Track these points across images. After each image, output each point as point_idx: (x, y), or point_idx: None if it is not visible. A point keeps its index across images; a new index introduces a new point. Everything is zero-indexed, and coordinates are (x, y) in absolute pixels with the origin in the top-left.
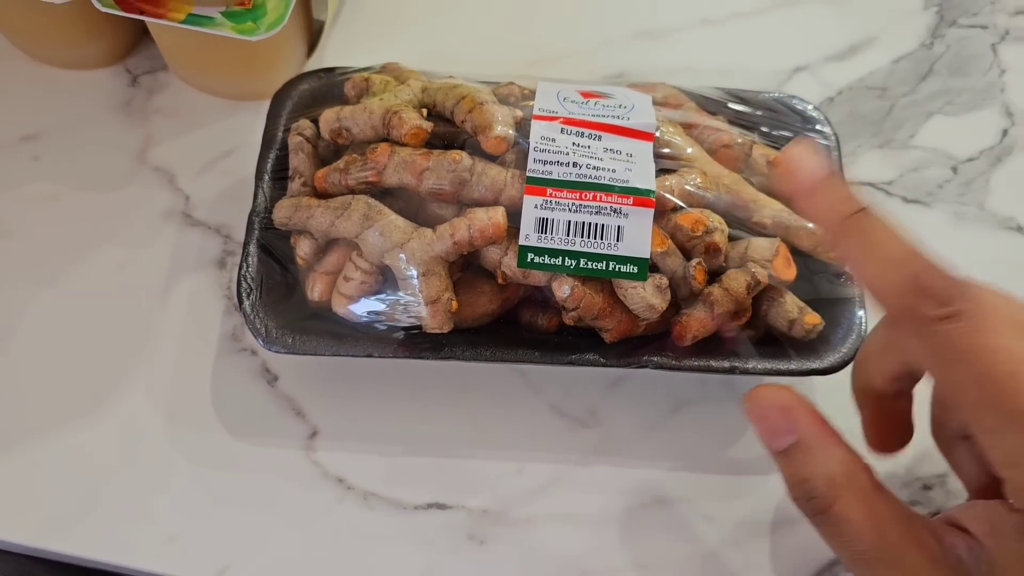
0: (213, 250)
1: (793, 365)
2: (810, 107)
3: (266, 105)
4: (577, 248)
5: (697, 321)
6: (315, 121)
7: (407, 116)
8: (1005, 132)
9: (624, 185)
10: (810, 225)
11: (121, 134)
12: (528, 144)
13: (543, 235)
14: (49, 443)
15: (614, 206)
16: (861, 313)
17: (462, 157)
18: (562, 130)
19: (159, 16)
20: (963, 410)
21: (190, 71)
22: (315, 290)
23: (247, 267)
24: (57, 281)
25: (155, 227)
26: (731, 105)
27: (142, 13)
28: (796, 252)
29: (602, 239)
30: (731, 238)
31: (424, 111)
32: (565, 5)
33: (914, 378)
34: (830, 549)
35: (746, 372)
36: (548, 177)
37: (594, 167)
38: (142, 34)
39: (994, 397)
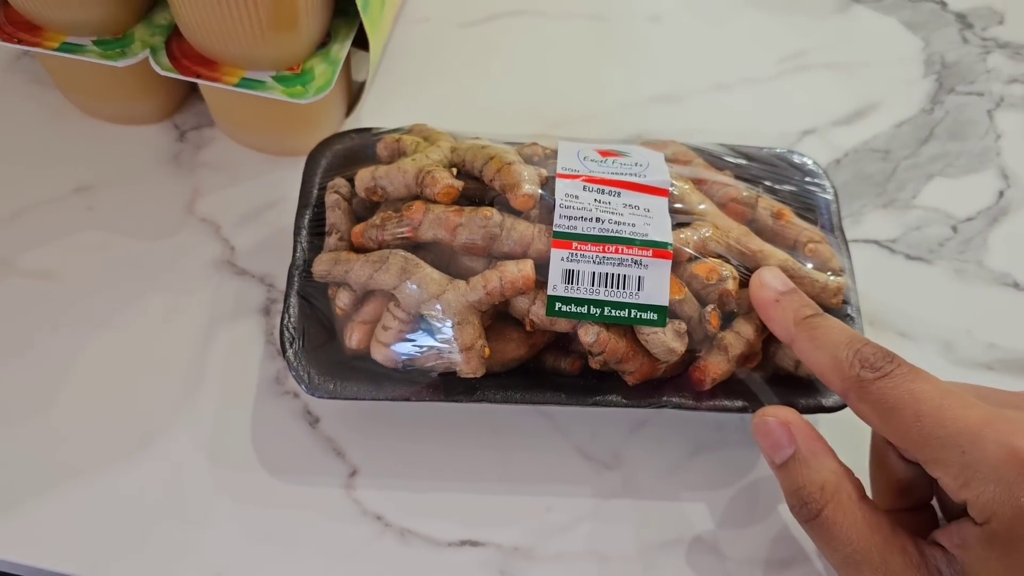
0: (257, 298)
1: (801, 403)
2: (809, 162)
3: None
4: (601, 297)
5: (715, 365)
6: (349, 179)
7: (439, 175)
8: (1001, 193)
9: (643, 238)
10: (813, 273)
11: (170, 186)
12: (553, 200)
13: (569, 285)
14: (99, 481)
15: (635, 258)
16: None
17: (492, 213)
18: (584, 187)
19: (215, 80)
20: (910, 452)
21: (236, 128)
22: (353, 338)
23: (289, 318)
24: (108, 325)
25: (202, 275)
26: (736, 160)
27: (199, 76)
28: None
29: (624, 288)
30: (741, 284)
31: (454, 170)
32: (586, 70)
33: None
34: (823, 555)
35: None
36: (573, 232)
37: (615, 222)
38: (190, 92)
39: (929, 430)
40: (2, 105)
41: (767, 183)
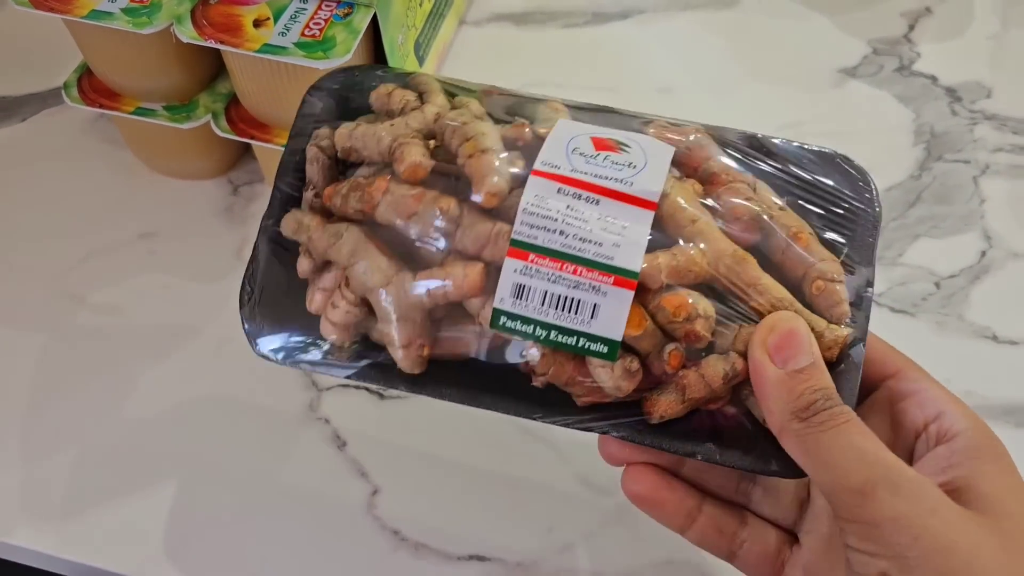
0: None
1: (750, 462)
2: (858, 168)
3: None
4: (550, 320)
5: (666, 403)
6: (334, 127)
7: (408, 152)
8: (983, 253)
9: (607, 262)
10: (811, 318)
11: (223, 234)
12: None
13: (518, 301)
14: (152, 491)
15: (594, 283)
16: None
17: (450, 207)
18: (559, 190)
19: (267, 141)
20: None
21: None
22: (313, 303)
23: (252, 271)
24: (166, 357)
25: None
26: (766, 161)
27: (253, 138)
28: None
29: (576, 314)
30: (728, 319)
31: (431, 143)
32: None
33: None
34: (817, 471)
35: (709, 460)
36: (532, 242)
37: (581, 238)
38: (244, 152)
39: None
40: (79, 161)
41: (796, 192)
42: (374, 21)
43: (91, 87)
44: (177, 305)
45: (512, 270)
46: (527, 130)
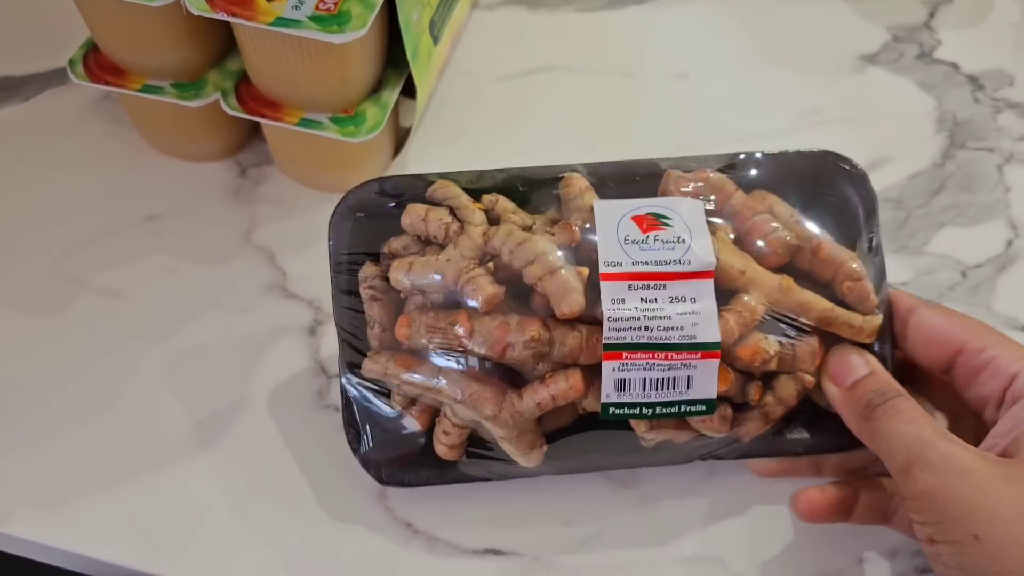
0: (305, 318)
1: (841, 442)
2: (847, 165)
3: None
4: (652, 399)
5: (753, 427)
6: (374, 258)
7: (481, 283)
8: (1010, 243)
9: (691, 342)
10: (850, 317)
11: (230, 217)
12: (600, 309)
13: (622, 392)
14: (155, 480)
15: (684, 362)
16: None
17: (539, 334)
18: (629, 287)
19: (277, 119)
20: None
21: (293, 166)
22: (416, 424)
23: (350, 416)
24: (171, 339)
25: (256, 297)
26: (767, 177)
27: (263, 116)
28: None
29: (674, 389)
30: (787, 339)
31: (491, 266)
32: (615, 123)
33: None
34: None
35: (809, 452)
36: (623, 343)
37: (664, 328)
38: (252, 133)
39: None
40: (84, 141)
41: (803, 198)
42: None
43: (97, 64)
44: (182, 288)
45: (611, 369)
46: (575, 229)
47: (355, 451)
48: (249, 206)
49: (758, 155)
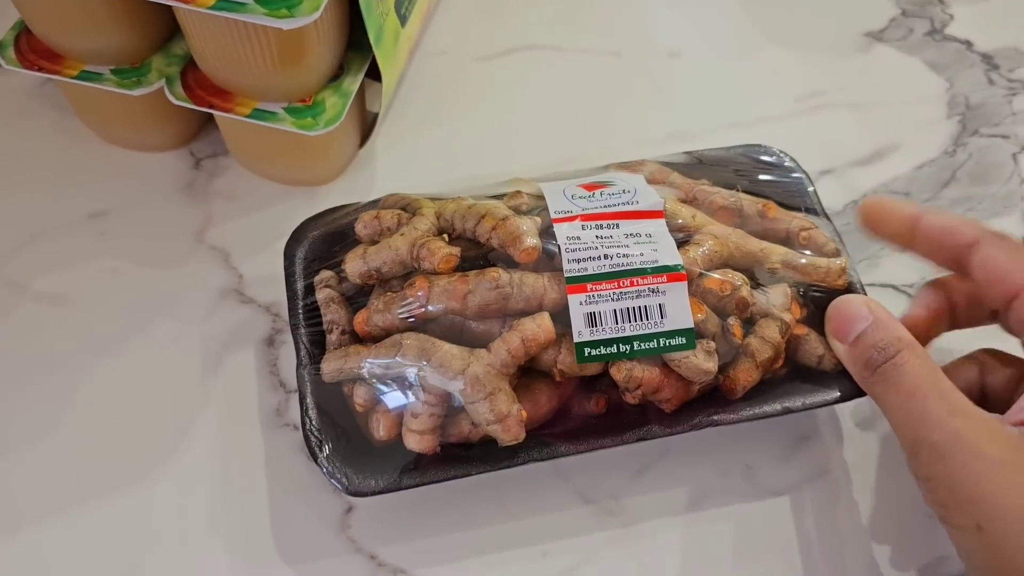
0: (262, 327)
1: (837, 395)
2: (777, 152)
3: (320, 191)
4: (627, 333)
5: (744, 373)
6: (331, 267)
7: (435, 246)
8: None
9: (655, 265)
10: (816, 260)
11: (182, 214)
12: (556, 246)
13: (594, 328)
14: (100, 507)
15: (651, 286)
16: None
17: (499, 274)
18: (583, 226)
19: (227, 110)
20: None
21: (250, 158)
22: (381, 429)
23: (310, 421)
24: (116, 351)
25: (209, 303)
26: (705, 167)
27: (212, 107)
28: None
29: (648, 319)
30: (754, 287)
31: (445, 236)
32: (603, 106)
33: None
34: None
35: (800, 409)
36: (585, 273)
37: (623, 255)
38: (206, 121)
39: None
40: (23, 130)
41: (743, 182)
42: None
43: (30, 47)
44: (129, 293)
45: (578, 303)
46: (524, 196)
47: (315, 458)
48: (203, 202)
49: (692, 152)
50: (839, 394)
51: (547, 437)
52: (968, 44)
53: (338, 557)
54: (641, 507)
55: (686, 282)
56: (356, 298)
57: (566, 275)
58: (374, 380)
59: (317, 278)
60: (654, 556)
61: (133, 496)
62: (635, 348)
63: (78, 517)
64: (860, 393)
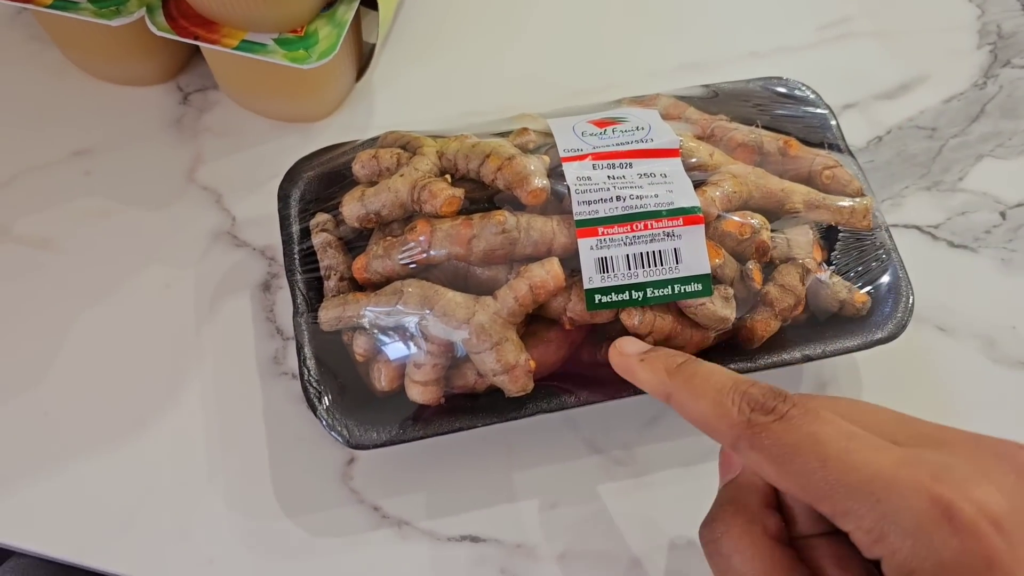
0: (257, 272)
1: (859, 341)
2: (799, 86)
3: (315, 127)
4: (640, 279)
5: (763, 323)
6: (329, 210)
7: (437, 188)
8: None
9: (670, 207)
10: (840, 201)
11: (171, 152)
12: (565, 187)
13: (605, 274)
14: (92, 460)
15: (666, 230)
16: (901, 273)
17: (506, 217)
18: (594, 166)
19: (213, 42)
20: (815, 503)
21: (240, 93)
22: (383, 379)
23: (308, 372)
24: (105, 297)
25: (201, 246)
26: (724, 101)
27: (196, 38)
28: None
29: (662, 264)
30: (775, 231)
31: (448, 177)
32: (612, 36)
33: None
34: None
35: (820, 357)
36: (596, 216)
37: (637, 196)
38: (194, 53)
39: (836, 477)
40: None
41: (763, 117)
42: None
43: None
44: (117, 236)
45: (588, 248)
46: (531, 133)
47: (315, 411)
48: (192, 139)
49: (709, 85)
50: (860, 341)
51: (556, 387)
52: None
53: (340, 508)
54: (651, 457)
55: (703, 225)
56: (355, 242)
57: (576, 218)
58: (375, 329)
59: (313, 221)
60: (664, 506)
61: (127, 447)
62: (648, 295)
63: (70, 470)
64: (882, 340)
